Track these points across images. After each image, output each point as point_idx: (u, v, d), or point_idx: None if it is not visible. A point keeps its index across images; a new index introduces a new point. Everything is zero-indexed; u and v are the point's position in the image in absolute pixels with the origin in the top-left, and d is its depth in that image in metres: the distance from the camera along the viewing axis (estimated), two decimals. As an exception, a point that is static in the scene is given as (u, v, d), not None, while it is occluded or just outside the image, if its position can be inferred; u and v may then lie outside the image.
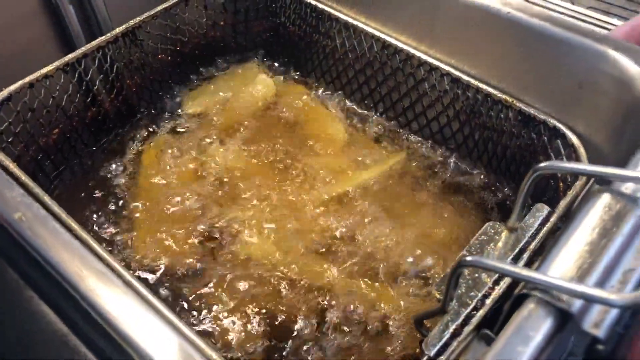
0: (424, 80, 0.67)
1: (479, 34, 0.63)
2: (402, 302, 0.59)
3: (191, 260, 0.62)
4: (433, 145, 0.72)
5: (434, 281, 0.60)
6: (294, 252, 0.63)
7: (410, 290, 0.60)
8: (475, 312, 0.44)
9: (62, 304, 0.42)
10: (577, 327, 0.36)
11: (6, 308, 0.44)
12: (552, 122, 0.58)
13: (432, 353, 0.42)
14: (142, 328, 0.38)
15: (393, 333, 0.57)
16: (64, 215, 0.46)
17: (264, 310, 0.58)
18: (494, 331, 0.41)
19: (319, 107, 0.79)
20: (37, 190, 0.49)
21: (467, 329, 0.43)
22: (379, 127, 0.75)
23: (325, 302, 0.59)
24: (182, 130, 0.76)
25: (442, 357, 0.42)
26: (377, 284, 0.60)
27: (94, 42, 0.66)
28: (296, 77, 0.82)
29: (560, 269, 0.38)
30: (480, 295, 0.45)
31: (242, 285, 0.60)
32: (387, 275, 0.61)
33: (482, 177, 0.68)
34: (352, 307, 0.58)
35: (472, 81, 0.63)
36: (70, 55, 0.64)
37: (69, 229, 0.44)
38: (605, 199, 0.43)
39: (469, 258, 0.39)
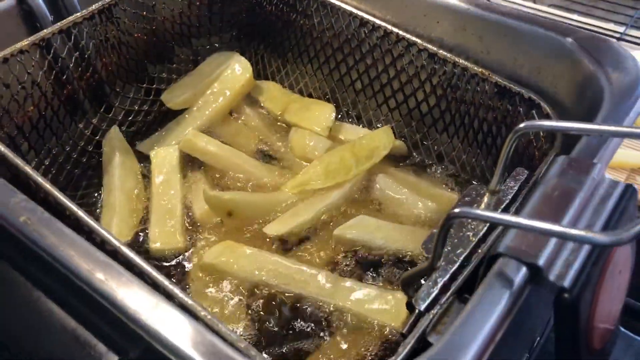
0: (402, 56, 0.69)
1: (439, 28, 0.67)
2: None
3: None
4: (411, 121, 0.73)
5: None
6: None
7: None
8: (462, 269, 0.46)
9: (69, 301, 0.43)
10: (545, 278, 0.39)
11: (16, 308, 0.44)
12: (527, 93, 0.60)
13: (422, 307, 0.43)
14: (155, 313, 0.38)
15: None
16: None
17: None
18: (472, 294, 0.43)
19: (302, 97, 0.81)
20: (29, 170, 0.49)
21: (455, 284, 0.44)
22: (359, 104, 0.76)
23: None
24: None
25: (433, 312, 0.43)
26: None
27: (70, 18, 0.65)
28: (273, 57, 0.83)
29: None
30: (467, 252, 0.46)
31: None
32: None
33: (459, 149, 0.70)
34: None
35: (449, 55, 0.64)
36: (46, 30, 0.63)
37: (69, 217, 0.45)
38: (563, 165, 0.46)
39: (457, 210, 0.40)
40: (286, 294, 0.59)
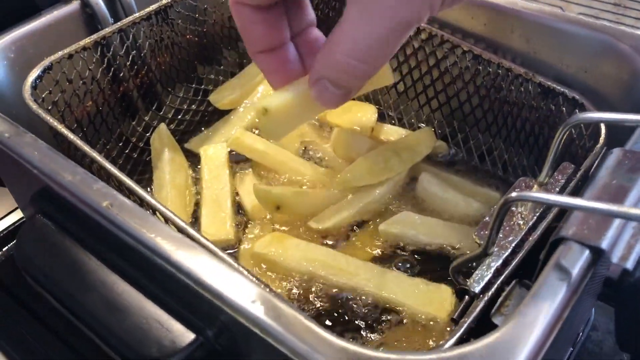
0: (446, 58, 0.70)
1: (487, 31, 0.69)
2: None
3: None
4: (453, 121, 0.75)
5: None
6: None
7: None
8: (514, 255, 0.47)
9: (146, 283, 0.46)
10: (608, 261, 0.40)
11: (93, 290, 0.47)
12: (571, 93, 0.62)
13: (477, 290, 0.45)
14: (234, 287, 0.41)
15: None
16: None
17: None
18: (533, 280, 0.44)
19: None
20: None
21: (508, 270, 0.46)
22: (402, 105, 0.79)
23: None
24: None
25: (487, 294, 0.44)
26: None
27: (130, 18, 0.68)
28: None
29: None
30: (518, 239, 0.48)
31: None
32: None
33: (501, 149, 0.71)
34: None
35: (494, 56, 0.66)
36: (107, 29, 0.66)
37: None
38: (618, 157, 0.47)
39: (514, 194, 0.41)
40: (334, 285, 0.60)
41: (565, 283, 0.39)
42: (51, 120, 0.55)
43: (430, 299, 0.59)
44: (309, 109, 0.53)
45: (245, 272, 0.44)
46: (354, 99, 0.81)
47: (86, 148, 0.53)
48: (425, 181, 0.70)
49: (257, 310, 0.39)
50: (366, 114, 0.79)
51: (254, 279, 0.43)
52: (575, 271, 0.39)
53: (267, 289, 0.41)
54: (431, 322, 0.57)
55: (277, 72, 0.53)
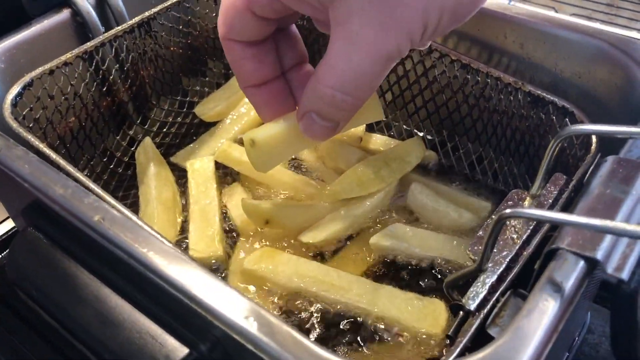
0: (434, 67, 0.70)
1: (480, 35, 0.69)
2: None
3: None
4: (442, 130, 0.74)
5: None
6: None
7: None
8: (509, 270, 0.46)
9: (139, 297, 0.46)
10: (603, 271, 0.40)
11: (86, 304, 0.47)
12: (560, 101, 0.61)
13: (473, 307, 0.44)
14: (227, 302, 0.40)
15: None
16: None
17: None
18: (527, 290, 0.44)
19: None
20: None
21: (503, 285, 0.45)
22: (390, 114, 0.78)
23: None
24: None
25: (484, 311, 0.44)
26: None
27: (112, 32, 0.67)
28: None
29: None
30: (512, 254, 0.47)
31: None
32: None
33: (491, 158, 0.71)
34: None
35: (482, 66, 0.66)
36: (88, 44, 0.65)
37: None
38: (611, 166, 0.47)
39: (508, 210, 0.41)
40: (325, 301, 0.59)
41: (561, 294, 0.39)
42: (32, 139, 0.54)
43: (424, 315, 0.58)
44: (297, 141, 0.54)
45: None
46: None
47: (68, 167, 0.52)
48: (415, 191, 0.70)
49: (251, 326, 0.38)
50: (354, 124, 0.78)
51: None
52: (571, 282, 0.39)
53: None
54: (425, 337, 0.57)
55: (267, 106, 0.54)
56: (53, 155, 0.53)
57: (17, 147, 0.52)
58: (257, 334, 0.38)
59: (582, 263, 0.40)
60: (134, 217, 0.48)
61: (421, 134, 0.76)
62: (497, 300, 0.44)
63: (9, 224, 0.77)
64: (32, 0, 0.67)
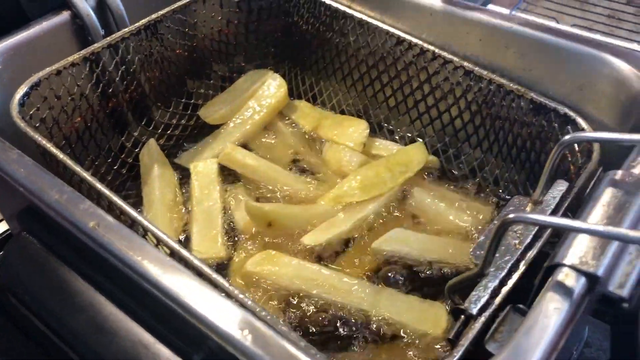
0: (437, 73, 0.71)
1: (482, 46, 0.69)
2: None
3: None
4: (444, 136, 0.75)
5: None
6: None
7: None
8: (510, 275, 0.47)
9: (133, 306, 0.46)
10: (604, 289, 0.39)
11: (80, 311, 0.46)
12: (563, 109, 0.62)
13: (475, 311, 0.44)
14: (222, 314, 0.40)
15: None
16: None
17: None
18: (527, 305, 0.44)
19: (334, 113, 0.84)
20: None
21: (505, 289, 0.46)
22: (392, 120, 0.79)
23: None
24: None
25: (482, 318, 0.44)
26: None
27: (119, 33, 0.67)
28: (307, 74, 0.85)
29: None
30: (514, 259, 0.47)
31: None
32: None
33: (493, 164, 0.72)
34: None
35: (485, 72, 0.66)
36: (95, 45, 0.65)
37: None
38: (614, 180, 0.46)
39: (511, 215, 0.41)
40: (326, 303, 0.60)
41: (561, 312, 0.38)
42: (39, 139, 0.54)
43: (425, 316, 0.58)
44: None
45: (236, 293, 0.43)
46: (344, 114, 0.82)
47: (76, 167, 0.52)
48: (417, 196, 0.70)
49: (246, 339, 0.38)
50: (358, 129, 0.78)
51: (245, 302, 0.42)
52: (571, 299, 0.39)
53: (257, 314, 0.40)
54: (426, 339, 0.57)
55: None
56: (60, 155, 0.53)
57: (13, 150, 0.52)
58: (251, 347, 0.37)
59: (583, 280, 0.39)
60: (138, 217, 0.48)
61: (424, 140, 0.77)
62: (496, 315, 0.44)
63: (3, 226, 0.76)
64: (31, 1, 0.67)
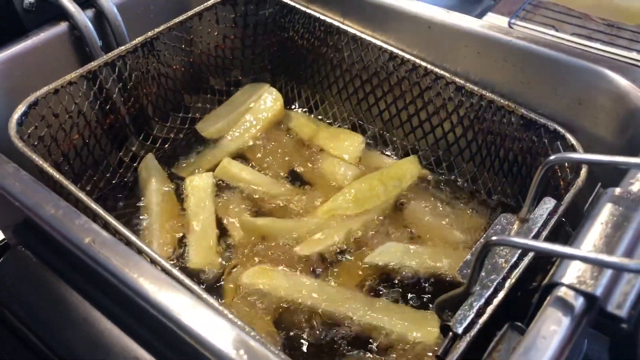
0: (429, 89, 0.71)
1: (481, 59, 0.69)
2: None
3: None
4: (437, 151, 0.76)
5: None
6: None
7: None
8: (496, 294, 0.48)
9: (128, 321, 0.46)
10: (602, 309, 0.40)
11: (75, 327, 0.46)
12: (552, 125, 0.63)
13: (460, 330, 0.45)
14: (218, 332, 0.40)
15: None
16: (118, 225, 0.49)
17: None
18: (525, 323, 0.44)
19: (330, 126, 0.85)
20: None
21: (490, 308, 0.46)
22: (386, 134, 0.80)
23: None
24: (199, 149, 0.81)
25: (470, 333, 0.45)
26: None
27: (116, 51, 0.68)
28: (303, 88, 0.86)
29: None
30: (500, 278, 0.48)
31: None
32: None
33: (485, 179, 0.72)
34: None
35: (476, 89, 0.67)
36: (93, 63, 0.66)
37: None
38: (612, 198, 0.47)
39: (494, 238, 0.42)
40: (320, 314, 0.61)
41: (559, 331, 0.38)
42: (36, 159, 0.55)
43: (418, 325, 0.59)
44: None
45: (230, 316, 0.44)
46: (340, 126, 0.83)
47: (71, 187, 0.53)
48: (411, 208, 0.71)
49: (241, 358, 0.39)
50: (354, 142, 0.80)
51: (235, 322, 0.43)
52: (569, 319, 0.39)
53: (253, 334, 0.41)
54: (418, 348, 0.58)
55: None
56: (57, 175, 0.54)
57: (9, 163, 0.52)
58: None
59: (581, 300, 0.39)
60: (132, 237, 0.49)
61: (418, 153, 0.78)
62: (494, 334, 0.44)
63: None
64: (29, 12, 0.68)
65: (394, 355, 0.59)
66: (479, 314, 0.46)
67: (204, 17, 0.77)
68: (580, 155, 0.49)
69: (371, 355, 0.58)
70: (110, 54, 0.68)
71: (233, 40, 0.82)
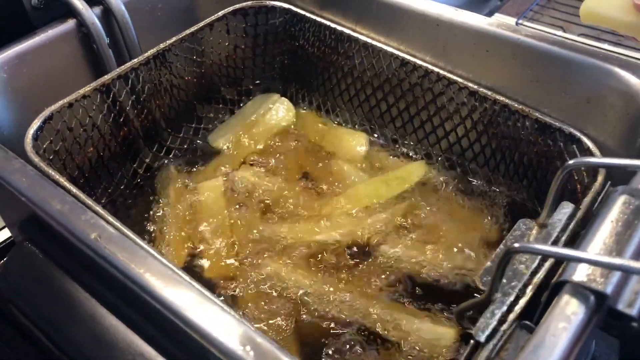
0: (442, 94, 0.71)
1: (489, 57, 0.69)
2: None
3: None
4: (451, 156, 0.75)
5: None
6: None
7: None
8: (517, 300, 0.47)
9: (134, 317, 0.45)
10: (612, 308, 0.39)
11: (82, 323, 0.46)
12: (568, 128, 0.62)
13: (483, 339, 0.45)
14: (225, 328, 0.40)
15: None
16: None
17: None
18: (534, 321, 0.44)
19: (338, 126, 0.85)
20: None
21: (512, 316, 0.46)
22: (399, 140, 0.80)
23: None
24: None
25: (492, 342, 0.44)
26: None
27: (128, 64, 0.69)
28: (314, 96, 0.86)
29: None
30: (521, 284, 0.48)
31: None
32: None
33: (500, 184, 0.72)
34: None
35: (489, 93, 0.67)
36: (106, 77, 0.67)
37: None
38: (623, 196, 0.46)
39: (516, 245, 0.42)
40: (334, 317, 0.61)
41: (568, 330, 0.38)
42: (53, 174, 0.55)
43: (434, 329, 0.59)
44: None
45: (232, 313, 0.43)
46: (343, 126, 0.83)
47: (88, 200, 0.53)
48: (425, 211, 0.71)
49: (248, 355, 0.38)
50: (358, 143, 0.81)
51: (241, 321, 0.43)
52: (579, 317, 0.39)
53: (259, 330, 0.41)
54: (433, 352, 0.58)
55: None
56: (74, 189, 0.54)
57: (16, 159, 0.52)
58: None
59: (591, 298, 0.39)
60: (150, 250, 0.49)
61: (432, 158, 0.77)
62: (503, 332, 0.44)
63: (5, 234, 0.75)
64: (37, 10, 0.68)
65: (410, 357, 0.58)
66: (501, 321, 0.46)
67: (214, 28, 0.77)
68: (598, 159, 0.48)
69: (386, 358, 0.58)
70: (123, 67, 0.68)
71: (244, 50, 0.83)
